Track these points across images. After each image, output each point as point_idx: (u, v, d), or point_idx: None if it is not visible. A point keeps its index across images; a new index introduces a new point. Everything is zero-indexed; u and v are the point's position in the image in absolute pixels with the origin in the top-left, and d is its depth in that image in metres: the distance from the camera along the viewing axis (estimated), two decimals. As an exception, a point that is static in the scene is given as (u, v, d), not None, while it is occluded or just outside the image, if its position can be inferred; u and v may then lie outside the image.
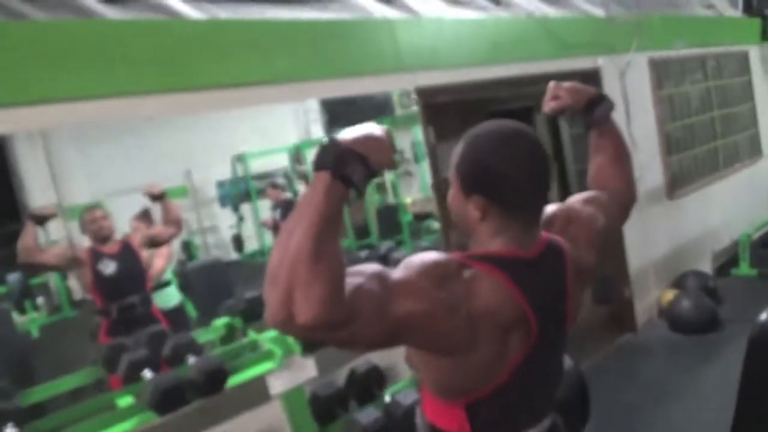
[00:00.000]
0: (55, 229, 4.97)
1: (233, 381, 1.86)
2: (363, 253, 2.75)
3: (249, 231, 7.79)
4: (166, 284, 3.43)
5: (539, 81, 3.54)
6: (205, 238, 7.69)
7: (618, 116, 3.91)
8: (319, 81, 2.55)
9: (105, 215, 2.82)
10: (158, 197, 2.87)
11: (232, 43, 2.30)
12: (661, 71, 4.32)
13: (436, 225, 7.85)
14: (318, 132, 8.79)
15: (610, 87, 3.85)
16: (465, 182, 1.03)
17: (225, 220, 8.16)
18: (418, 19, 2.87)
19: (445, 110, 3.16)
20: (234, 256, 7.77)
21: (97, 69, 1.99)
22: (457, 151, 1.06)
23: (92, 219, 2.79)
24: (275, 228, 6.00)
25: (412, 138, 8.12)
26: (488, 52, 3.16)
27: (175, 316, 3.28)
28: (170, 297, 3.43)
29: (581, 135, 5.19)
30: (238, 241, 7.84)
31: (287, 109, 8.48)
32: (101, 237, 2.79)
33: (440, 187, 3.11)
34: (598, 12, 3.86)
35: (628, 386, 3.14)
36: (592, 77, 3.76)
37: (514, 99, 6.43)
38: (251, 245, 7.77)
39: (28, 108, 1.88)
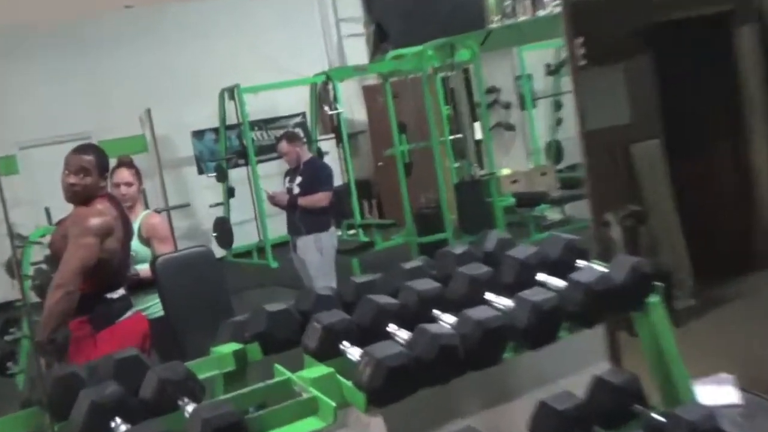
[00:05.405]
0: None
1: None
2: (459, 249, 1.39)
3: (242, 213, 4.97)
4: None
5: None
6: (171, 222, 4.77)
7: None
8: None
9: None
10: None
11: None
12: None
13: (554, 215, 5.24)
14: (358, 55, 5.86)
15: None
16: None
17: (203, 194, 5.34)
18: None
19: (593, 17, 2.22)
20: (217, 251, 4.65)
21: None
22: None
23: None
24: (291, 205, 3.25)
25: (514, 68, 5.22)
26: None
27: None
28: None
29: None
30: (223, 229, 4.85)
31: (310, 17, 5.56)
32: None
33: (592, 138, 1.99)
34: None
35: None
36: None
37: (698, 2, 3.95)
38: (245, 236, 4.92)
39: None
